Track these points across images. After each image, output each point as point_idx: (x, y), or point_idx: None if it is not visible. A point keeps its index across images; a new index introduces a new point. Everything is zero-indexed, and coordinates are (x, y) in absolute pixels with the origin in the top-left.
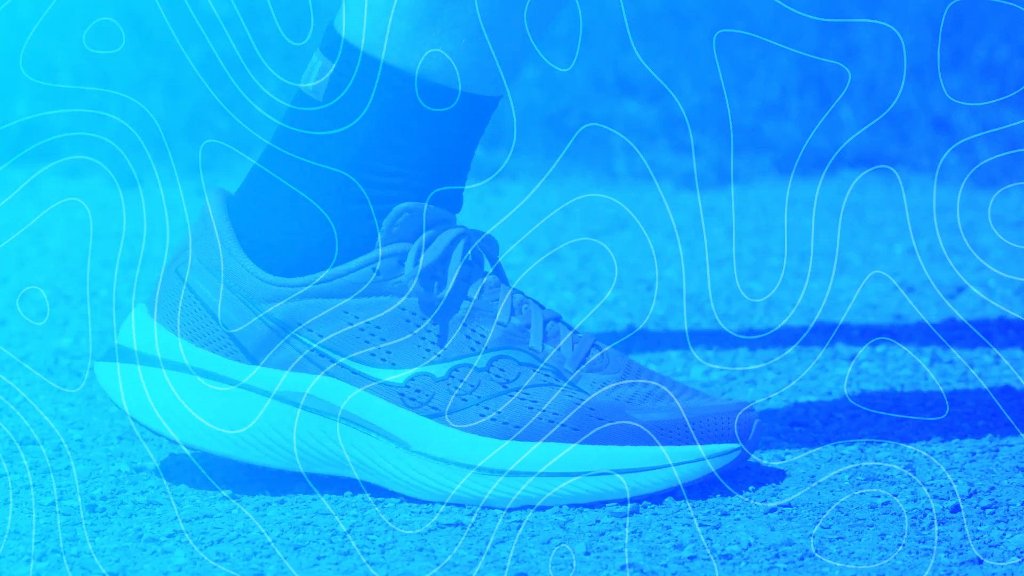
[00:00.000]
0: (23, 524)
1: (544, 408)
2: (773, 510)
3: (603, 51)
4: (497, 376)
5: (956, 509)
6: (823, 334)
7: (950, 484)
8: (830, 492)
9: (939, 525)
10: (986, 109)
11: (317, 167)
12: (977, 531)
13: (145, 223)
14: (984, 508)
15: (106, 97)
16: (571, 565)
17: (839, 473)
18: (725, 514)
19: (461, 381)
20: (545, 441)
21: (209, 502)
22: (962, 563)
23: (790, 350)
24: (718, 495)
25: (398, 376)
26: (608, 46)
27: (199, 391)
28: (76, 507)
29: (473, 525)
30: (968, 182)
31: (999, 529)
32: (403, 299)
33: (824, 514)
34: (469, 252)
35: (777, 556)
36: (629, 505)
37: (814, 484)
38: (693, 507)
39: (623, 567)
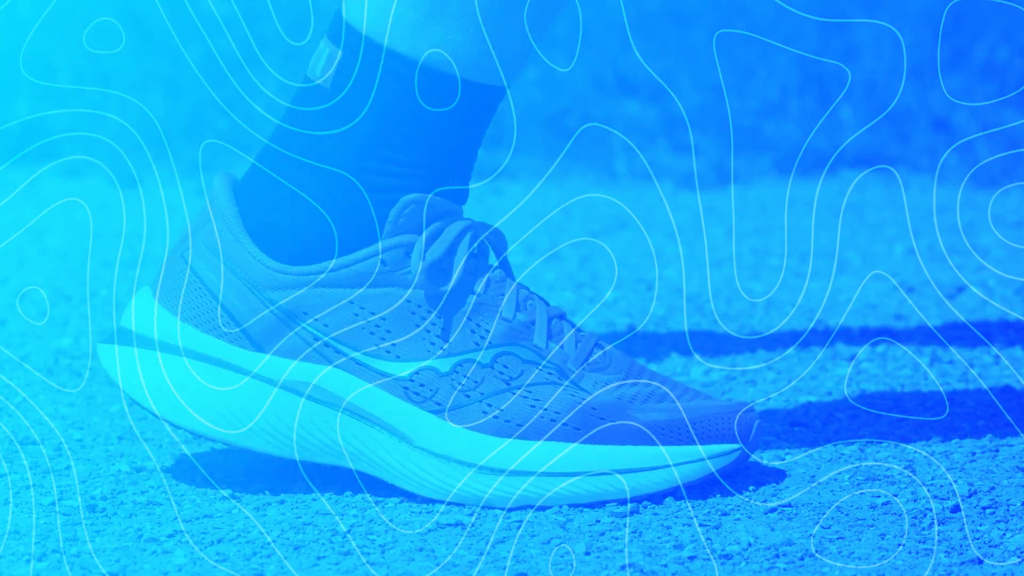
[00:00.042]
0: (23, 524)
1: (546, 407)
2: (773, 510)
3: (603, 51)
4: (500, 373)
5: (956, 509)
6: (823, 334)
7: (950, 484)
8: (830, 492)
9: (939, 525)
10: (986, 109)
11: (324, 156)
12: (977, 531)
13: (145, 223)
14: (984, 508)
15: (106, 97)
16: (571, 565)
17: (839, 473)
18: (725, 514)
19: (465, 377)
20: (546, 440)
21: (209, 502)
22: (962, 563)
23: (790, 350)
24: (718, 495)
25: (402, 369)
26: (608, 46)
27: (200, 375)
28: (76, 507)
29: (473, 525)
30: (968, 182)
31: (999, 529)
32: (409, 291)
33: (824, 514)
34: (475, 245)
35: (777, 556)
36: (629, 505)
37: (814, 484)
38: (693, 507)
39: (623, 567)
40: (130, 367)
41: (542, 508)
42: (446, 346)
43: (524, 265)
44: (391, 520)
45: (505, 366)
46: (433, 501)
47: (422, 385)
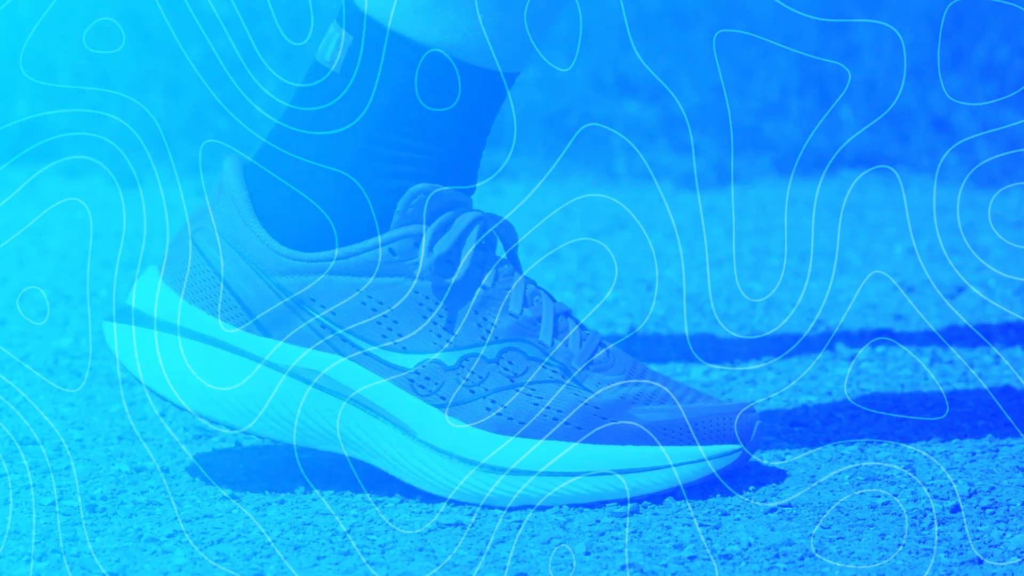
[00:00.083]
0: (23, 524)
1: (549, 405)
2: (773, 510)
3: (603, 51)
4: (505, 369)
5: (956, 509)
6: (823, 334)
7: (950, 484)
8: (830, 492)
9: (939, 525)
10: (986, 109)
11: (332, 142)
12: (977, 531)
13: (145, 223)
14: (984, 508)
15: (106, 97)
16: (571, 565)
17: (839, 473)
18: (725, 514)
19: (470, 371)
20: (548, 439)
21: (209, 502)
22: (962, 563)
23: (790, 350)
24: (718, 495)
25: (408, 361)
26: (608, 46)
27: (203, 357)
28: (76, 507)
29: (473, 525)
30: (968, 182)
31: (999, 529)
32: (417, 282)
33: (824, 514)
34: (483, 236)
35: (777, 556)
36: (629, 505)
37: (814, 484)
38: (693, 507)
39: (623, 567)
40: (134, 347)
41: (542, 508)
42: (452, 339)
43: (524, 265)
44: (391, 520)
45: (510, 362)
46: (434, 498)
47: (427, 378)
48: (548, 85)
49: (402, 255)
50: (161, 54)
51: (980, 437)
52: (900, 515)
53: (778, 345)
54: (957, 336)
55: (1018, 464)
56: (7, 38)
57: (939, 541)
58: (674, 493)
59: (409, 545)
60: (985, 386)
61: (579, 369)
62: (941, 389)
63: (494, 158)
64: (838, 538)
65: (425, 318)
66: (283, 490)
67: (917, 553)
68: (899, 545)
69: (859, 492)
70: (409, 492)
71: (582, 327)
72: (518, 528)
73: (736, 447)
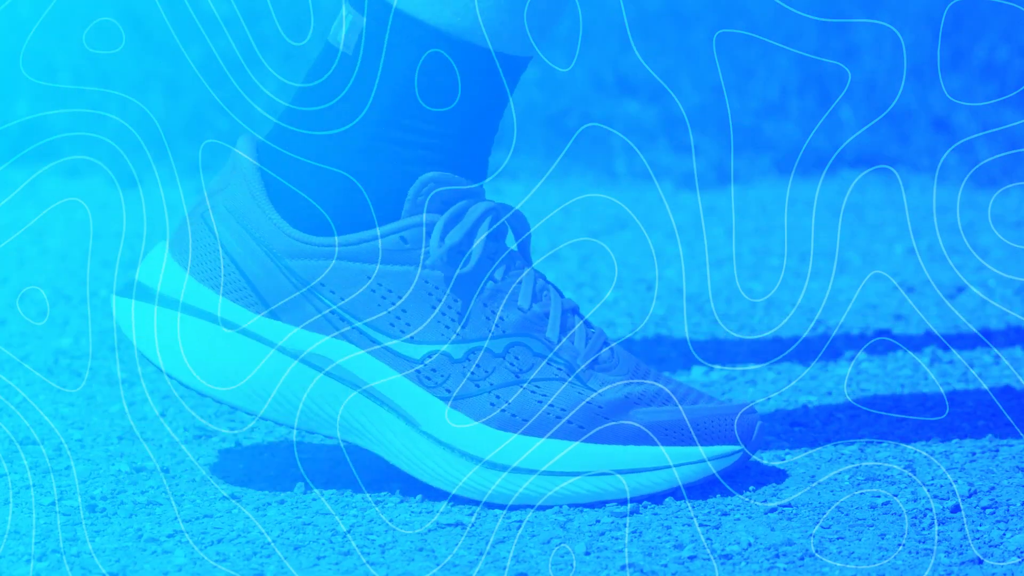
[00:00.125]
0: (23, 524)
1: (552, 403)
2: (773, 510)
3: (603, 51)
4: (511, 364)
5: (956, 509)
6: (823, 334)
7: (950, 484)
8: (830, 492)
9: (939, 525)
10: (986, 109)
11: (343, 126)
12: (977, 531)
13: (145, 223)
14: (984, 508)
15: (106, 97)
16: (571, 565)
17: (839, 473)
18: (725, 514)
19: (476, 365)
20: (549, 438)
21: (209, 502)
22: (962, 563)
23: (790, 350)
24: (718, 495)
25: (415, 351)
26: (608, 46)
27: (210, 336)
28: (76, 507)
29: (473, 525)
30: (968, 182)
31: (999, 529)
32: (427, 271)
33: (824, 514)
34: (495, 226)
35: (777, 556)
36: (629, 505)
37: (814, 484)
38: (693, 507)
39: (623, 567)
40: (142, 322)
41: (542, 508)
42: (460, 331)
43: None
44: (391, 520)
45: (516, 357)
46: (434, 498)
47: (433, 370)
48: (548, 85)
49: (413, 243)
50: (161, 54)
51: (980, 437)
52: (900, 515)
53: (778, 345)
54: (957, 336)
55: (1018, 464)
56: (7, 38)
57: (939, 541)
58: (674, 493)
59: (409, 545)
60: (985, 386)
61: (582, 366)
62: (941, 389)
63: (494, 158)
64: (838, 538)
65: (434, 308)
66: (283, 490)
67: (917, 553)
68: (899, 545)
69: (859, 492)
70: (409, 492)
71: (588, 325)
72: (518, 528)
73: (737, 448)
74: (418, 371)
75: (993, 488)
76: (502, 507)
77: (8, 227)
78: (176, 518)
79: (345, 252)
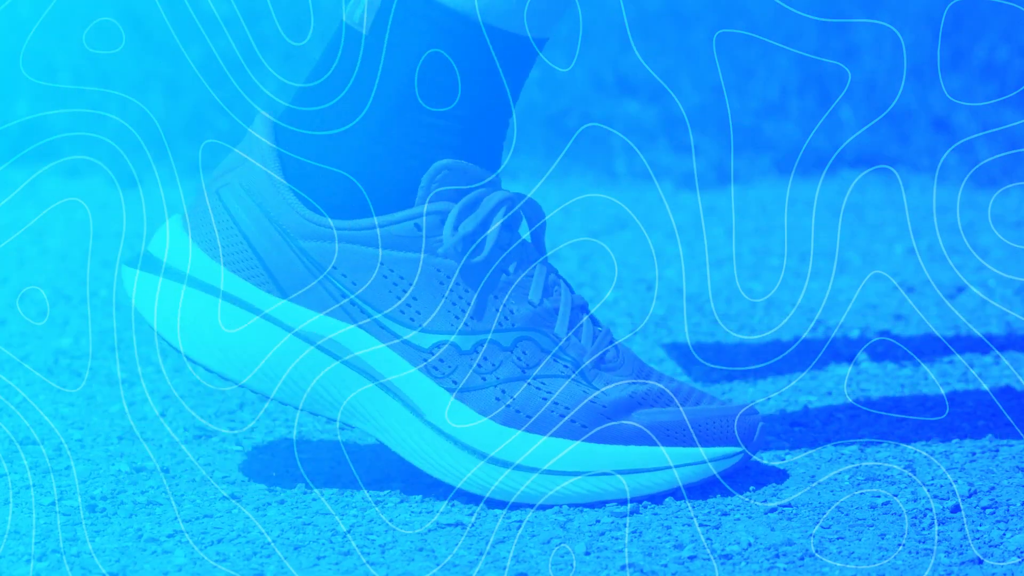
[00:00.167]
0: (23, 524)
1: (556, 400)
2: (773, 510)
3: (603, 51)
4: (519, 359)
5: (956, 509)
6: (823, 334)
7: (950, 484)
8: (830, 492)
9: (939, 525)
10: (986, 109)
11: (358, 107)
12: (977, 531)
13: (145, 223)
14: (984, 508)
15: (106, 97)
16: (571, 565)
17: (839, 473)
18: (725, 514)
19: (483, 358)
20: (552, 436)
21: (209, 502)
22: (962, 563)
23: (790, 350)
24: (718, 495)
25: (424, 340)
26: (608, 46)
27: (221, 312)
28: (76, 507)
29: (473, 525)
30: (968, 182)
31: (999, 529)
32: (440, 260)
33: (824, 514)
34: (509, 216)
35: (777, 556)
36: (629, 505)
37: (814, 484)
38: (693, 507)
39: (623, 567)
40: (152, 295)
41: (543, 507)
42: (469, 322)
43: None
44: (391, 520)
45: (524, 352)
46: (434, 498)
47: (441, 360)
48: (548, 85)
49: (427, 231)
50: (161, 54)
51: (980, 437)
52: (900, 515)
53: (778, 345)
54: (957, 336)
55: (1018, 464)
56: (7, 38)
57: (939, 541)
58: (674, 493)
59: (409, 545)
60: (985, 386)
61: (586, 362)
62: (941, 389)
63: None
64: (838, 538)
65: (445, 298)
66: (283, 490)
67: (917, 553)
68: (899, 545)
69: (859, 492)
70: (409, 492)
71: (595, 323)
72: (518, 528)
73: (738, 449)
74: (425, 360)
75: (993, 488)
76: (503, 504)
77: (8, 227)
78: (176, 518)
79: (357, 236)
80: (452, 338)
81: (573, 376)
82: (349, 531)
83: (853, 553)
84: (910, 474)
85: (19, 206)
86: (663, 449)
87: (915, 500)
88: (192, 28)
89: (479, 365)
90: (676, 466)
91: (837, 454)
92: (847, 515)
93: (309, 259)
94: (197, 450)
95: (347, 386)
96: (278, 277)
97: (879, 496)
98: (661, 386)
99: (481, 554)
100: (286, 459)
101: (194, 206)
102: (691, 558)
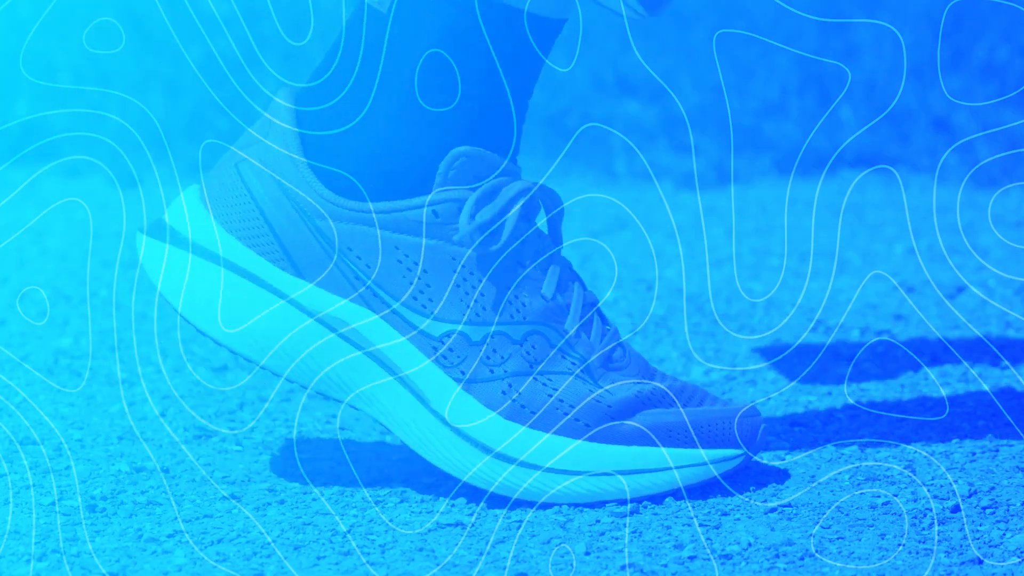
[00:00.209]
0: (23, 524)
1: (561, 398)
2: (773, 510)
3: (603, 51)
4: (527, 353)
5: (956, 509)
6: (823, 334)
7: (950, 484)
8: (830, 492)
9: (939, 525)
10: (986, 109)
11: (378, 85)
12: (977, 531)
13: (145, 223)
14: (984, 508)
15: (106, 97)
16: (571, 565)
17: (839, 473)
18: (725, 514)
19: (493, 350)
20: (554, 434)
21: (209, 502)
22: (962, 563)
23: (790, 350)
24: (718, 495)
25: (434, 328)
26: (608, 46)
27: (236, 287)
28: (76, 507)
29: (473, 525)
30: (968, 182)
31: (999, 529)
32: (455, 248)
33: (824, 514)
34: (528, 209)
35: (777, 556)
36: (629, 505)
37: (814, 484)
38: (693, 507)
39: (623, 567)
40: (165, 264)
41: (544, 507)
42: (481, 313)
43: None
44: (391, 520)
45: (533, 346)
46: (435, 493)
47: (451, 350)
48: (548, 85)
49: (445, 218)
50: (161, 54)
51: (980, 437)
52: (900, 515)
53: (778, 345)
54: (957, 336)
55: (1018, 464)
56: (7, 38)
57: (939, 541)
58: (674, 493)
59: (409, 545)
60: (985, 386)
61: (591, 358)
62: (941, 389)
63: None
64: (838, 538)
65: (458, 287)
66: (283, 490)
67: (917, 553)
68: (899, 545)
69: (859, 492)
70: (409, 492)
71: (604, 322)
72: (518, 528)
73: (739, 452)
74: (435, 348)
75: (993, 488)
76: (504, 501)
77: (8, 227)
78: (176, 518)
79: (375, 219)
80: (463, 328)
81: (579, 373)
82: (349, 531)
83: (853, 553)
84: (910, 474)
85: (19, 206)
86: (664, 450)
87: (915, 500)
88: (192, 28)
89: (488, 357)
90: (677, 467)
91: (837, 454)
92: (847, 515)
93: (325, 239)
94: (197, 450)
95: (355, 368)
96: (293, 255)
97: (879, 496)
98: (664, 387)
99: (481, 554)
100: (286, 459)
101: (212, 179)
102: (691, 558)
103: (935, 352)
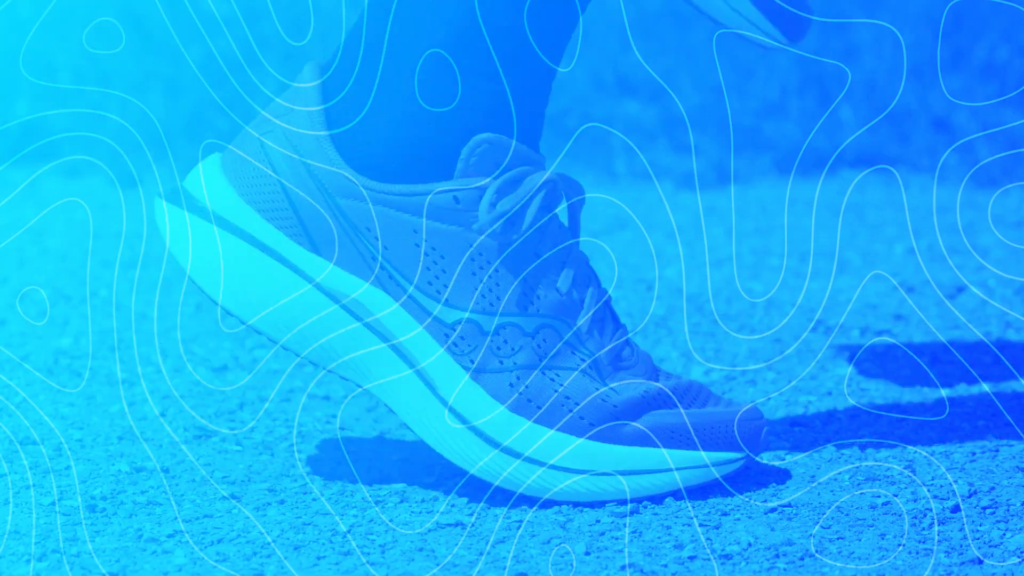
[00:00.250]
0: (23, 524)
1: (568, 395)
2: (773, 510)
3: (603, 51)
4: (538, 347)
5: (956, 509)
6: (823, 334)
7: (950, 484)
8: (830, 492)
9: (939, 525)
10: (986, 109)
11: (401, 69)
12: (977, 531)
13: (145, 223)
14: (984, 508)
15: (106, 97)
16: (571, 565)
17: (839, 473)
18: (725, 514)
19: (504, 341)
20: (558, 430)
21: (209, 502)
22: (962, 563)
23: (790, 350)
24: (718, 495)
25: (447, 314)
26: (608, 46)
27: (252, 259)
28: (76, 507)
29: (473, 525)
30: (968, 182)
31: (999, 529)
32: (473, 236)
33: (824, 514)
34: (548, 197)
35: (777, 556)
36: (629, 505)
37: (814, 484)
38: (693, 507)
39: (623, 567)
40: (183, 232)
41: (544, 506)
42: (496, 303)
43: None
44: (391, 520)
45: (544, 339)
46: (435, 493)
47: (462, 338)
48: None
49: (465, 205)
50: (161, 54)
51: (980, 437)
52: (900, 515)
53: (778, 345)
54: (957, 336)
55: (1018, 464)
56: (7, 38)
57: (939, 541)
58: (674, 493)
59: (409, 545)
60: (985, 386)
61: (599, 353)
62: (941, 389)
63: None
64: (838, 538)
65: (474, 275)
66: (283, 490)
67: (917, 553)
68: (899, 545)
69: (859, 492)
70: (409, 492)
71: (615, 319)
72: (518, 528)
73: (740, 455)
74: (446, 336)
75: (993, 488)
76: (505, 499)
77: (8, 227)
78: (176, 518)
79: (395, 201)
80: (476, 317)
81: (588, 370)
82: (349, 531)
83: (853, 553)
84: (910, 474)
85: (19, 206)
86: (665, 452)
87: (915, 500)
88: (192, 28)
89: (498, 348)
90: (678, 469)
91: (837, 454)
92: (847, 515)
93: (345, 218)
94: (197, 450)
95: (366, 348)
96: (311, 231)
97: (879, 496)
98: (667, 390)
99: (481, 554)
100: (286, 459)
101: (234, 150)
102: (691, 558)
103: (935, 352)
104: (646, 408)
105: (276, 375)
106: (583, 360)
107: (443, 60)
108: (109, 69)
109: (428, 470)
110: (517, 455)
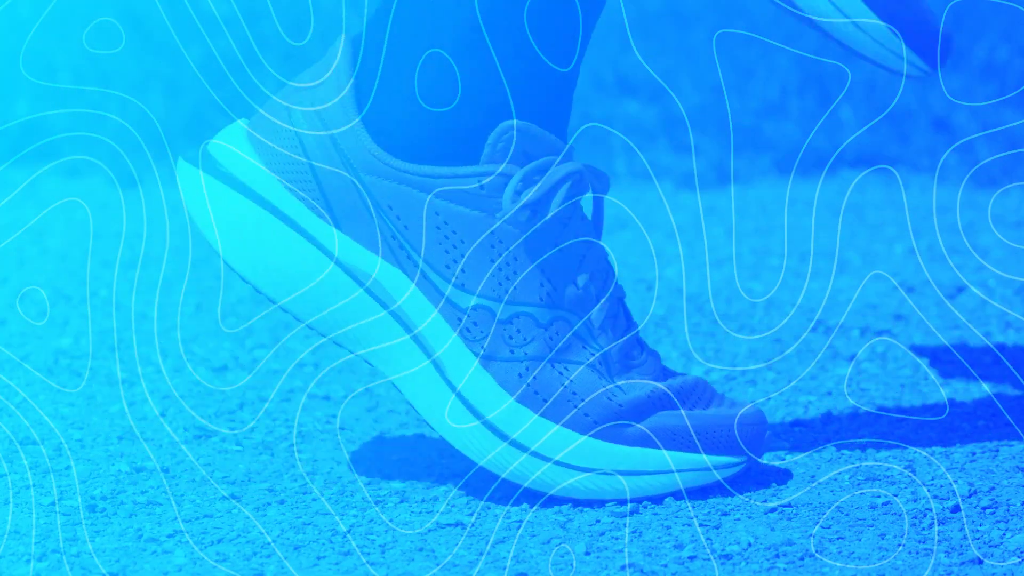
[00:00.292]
0: (23, 524)
1: (574, 390)
2: (773, 510)
3: (603, 51)
4: (551, 339)
5: (956, 509)
6: (823, 334)
7: (950, 484)
8: (830, 492)
9: (939, 525)
10: (986, 109)
11: (428, 51)
12: (977, 531)
13: (145, 223)
14: (984, 508)
15: (106, 97)
16: (571, 565)
17: (839, 473)
18: (725, 514)
19: (517, 331)
20: (562, 426)
21: (209, 502)
22: (962, 563)
23: (790, 350)
24: (718, 495)
25: (462, 299)
26: (608, 46)
27: (273, 229)
28: (76, 507)
29: (473, 525)
30: (968, 182)
31: (999, 529)
32: (495, 222)
33: (824, 514)
34: (573, 188)
35: (777, 556)
36: (629, 505)
37: (814, 484)
38: (693, 507)
39: (623, 567)
40: (194, 192)
41: (544, 506)
42: (512, 292)
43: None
44: (391, 520)
45: (557, 332)
46: (434, 493)
47: (475, 324)
48: None
49: (490, 191)
50: (161, 54)
51: (980, 437)
52: (900, 515)
53: (778, 345)
54: (957, 336)
55: (1018, 464)
56: (7, 38)
57: (939, 541)
58: (674, 493)
59: (409, 545)
60: (985, 386)
61: (608, 347)
62: (941, 389)
63: None
64: (838, 538)
65: (492, 262)
66: (283, 490)
67: (917, 553)
68: (899, 545)
69: (859, 492)
70: (409, 492)
71: (628, 317)
72: (518, 528)
73: (741, 459)
74: (459, 320)
75: (993, 488)
76: (506, 499)
77: (8, 227)
78: (176, 518)
79: (420, 182)
80: (491, 304)
81: (595, 365)
82: (349, 531)
83: (853, 553)
84: (910, 474)
85: (19, 206)
86: (666, 453)
87: (915, 500)
88: (192, 28)
89: (511, 337)
90: (678, 471)
91: (837, 454)
92: (847, 515)
93: (369, 194)
94: (197, 450)
95: (380, 327)
96: (333, 205)
97: (879, 496)
98: (672, 392)
99: (481, 554)
100: (286, 459)
101: (262, 119)
102: (691, 558)
103: (935, 352)
104: (651, 409)
105: (276, 375)
106: (592, 355)
107: (475, 44)
108: (109, 69)
109: (428, 470)
110: (524, 449)
